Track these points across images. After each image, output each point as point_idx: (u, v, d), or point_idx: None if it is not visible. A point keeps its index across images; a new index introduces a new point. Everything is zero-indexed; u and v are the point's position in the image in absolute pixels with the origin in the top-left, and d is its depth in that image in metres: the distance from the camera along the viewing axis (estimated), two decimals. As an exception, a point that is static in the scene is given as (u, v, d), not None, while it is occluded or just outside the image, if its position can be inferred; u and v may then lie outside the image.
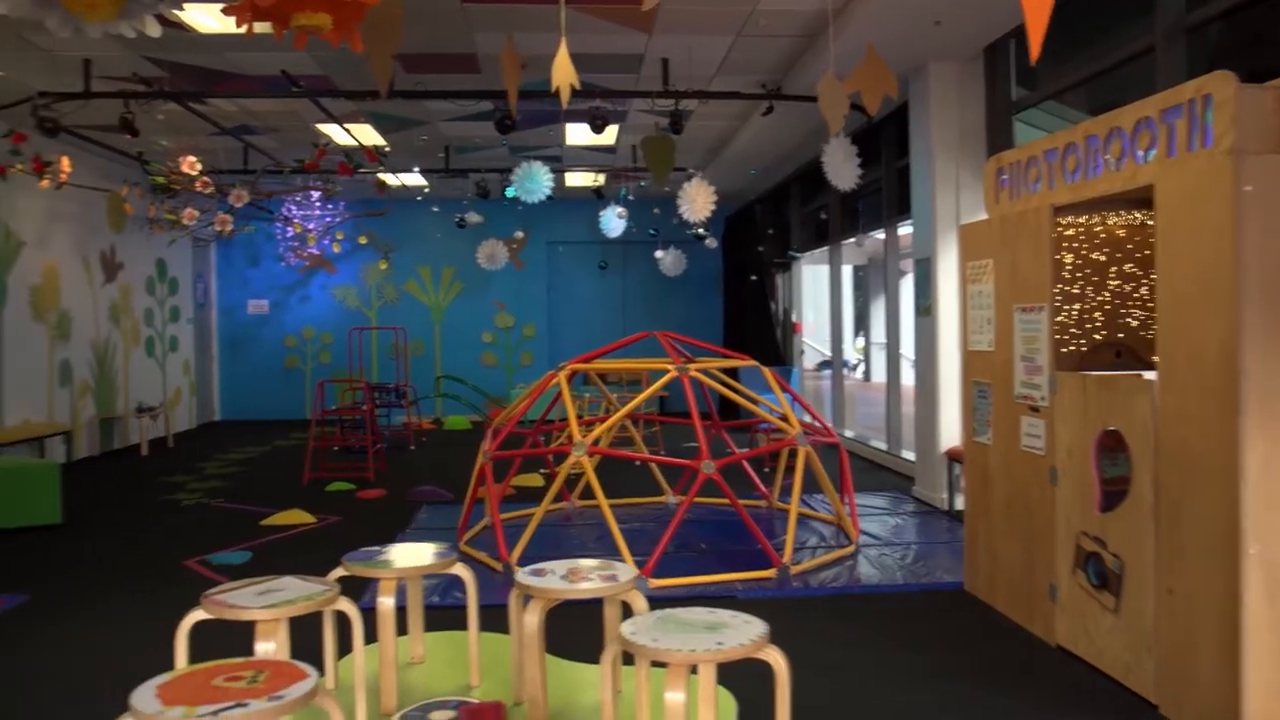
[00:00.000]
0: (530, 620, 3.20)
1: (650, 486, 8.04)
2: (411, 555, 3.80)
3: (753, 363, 6.70)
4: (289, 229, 14.15)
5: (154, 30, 3.65)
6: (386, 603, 3.46)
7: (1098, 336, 4.60)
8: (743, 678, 3.44)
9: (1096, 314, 4.61)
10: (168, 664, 4.17)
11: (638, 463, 8.91)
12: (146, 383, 12.92)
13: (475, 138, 10.91)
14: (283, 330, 15.53)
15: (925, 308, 7.70)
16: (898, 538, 6.46)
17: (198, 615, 3.09)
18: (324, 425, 10.15)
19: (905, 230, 9.46)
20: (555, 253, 15.95)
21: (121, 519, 7.62)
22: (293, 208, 13.72)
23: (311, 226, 13.99)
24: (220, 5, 6.27)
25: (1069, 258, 4.58)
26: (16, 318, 9.91)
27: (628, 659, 2.95)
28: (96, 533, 7.11)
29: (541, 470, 9.20)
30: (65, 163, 9.45)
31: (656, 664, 2.72)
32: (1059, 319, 4.47)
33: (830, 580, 5.45)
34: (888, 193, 9.53)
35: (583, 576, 3.35)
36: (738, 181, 13.07)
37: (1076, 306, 4.60)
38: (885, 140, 9.45)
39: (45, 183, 9.50)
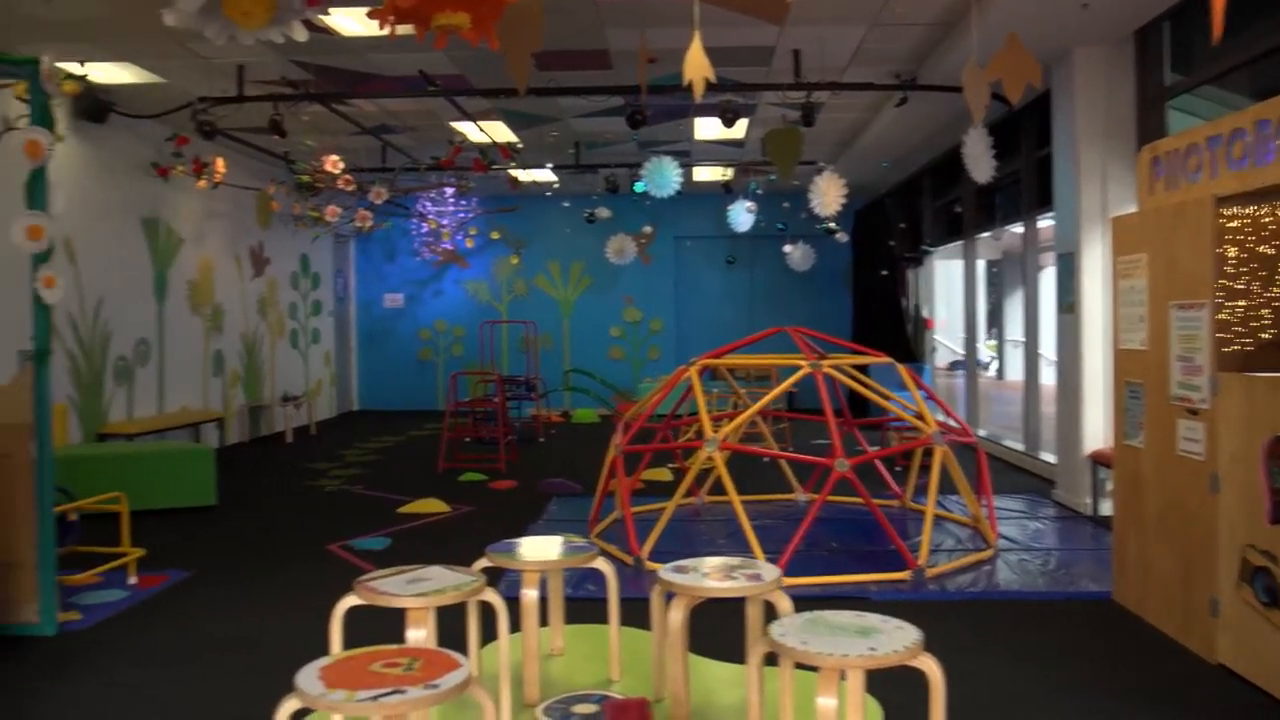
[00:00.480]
0: (675, 617, 3.20)
1: (778, 483, 7.97)
2: (552, 548, 3.85)
3: (887, 359, 6.57)
4: (424, 225, 14.57)
5: (300, 35, 3.80)
6: (531, 595, 3.51)
7: (1265, 335, 4.33)
8: (881, 684, 3.38)
9: (1264, 311, 4.33)
10: (317, 639, 4.36)
11: (766, 459, 8.85)
12: (291, 373, 13.50)
13: (605, 133, 11.00)
14: (417, 323, 15.99)
15: (1068, 304, 7.40)
16: (1038, 543, 6.24)
17: (351, 601, 3.19)
18: (457, 417, 10.40)
19: (1045, 223, 9.11)
20: (683, 247, 15.97)
21: (270, 502, 7.98)
22: (428, 204, 14.13)
23: (445, 222, 14.37)
24: (364, 9, 6.49)
25: (1232, 251, 4.33)
26: (176, 310, 10.48)
27: (768, 659, 2.91)
28: (248, 515, 7.47)
29: (670, 465, 9.22)
30: (220, 164, 9.95)
31: (801, 666, 2.69)
32: (1220, 316, 4.22)
33: (968, 585, 5.30)
34: (1026, 185, 9.20)
35: (726, 575, 3.33)
36: (868, 174, 12.83)
37: (1241, 303, 4.34)
38: (1024, 130, 9.12)
39: (202, 183, 10.03)
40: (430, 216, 14.29)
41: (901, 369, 6.47)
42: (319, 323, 14.61)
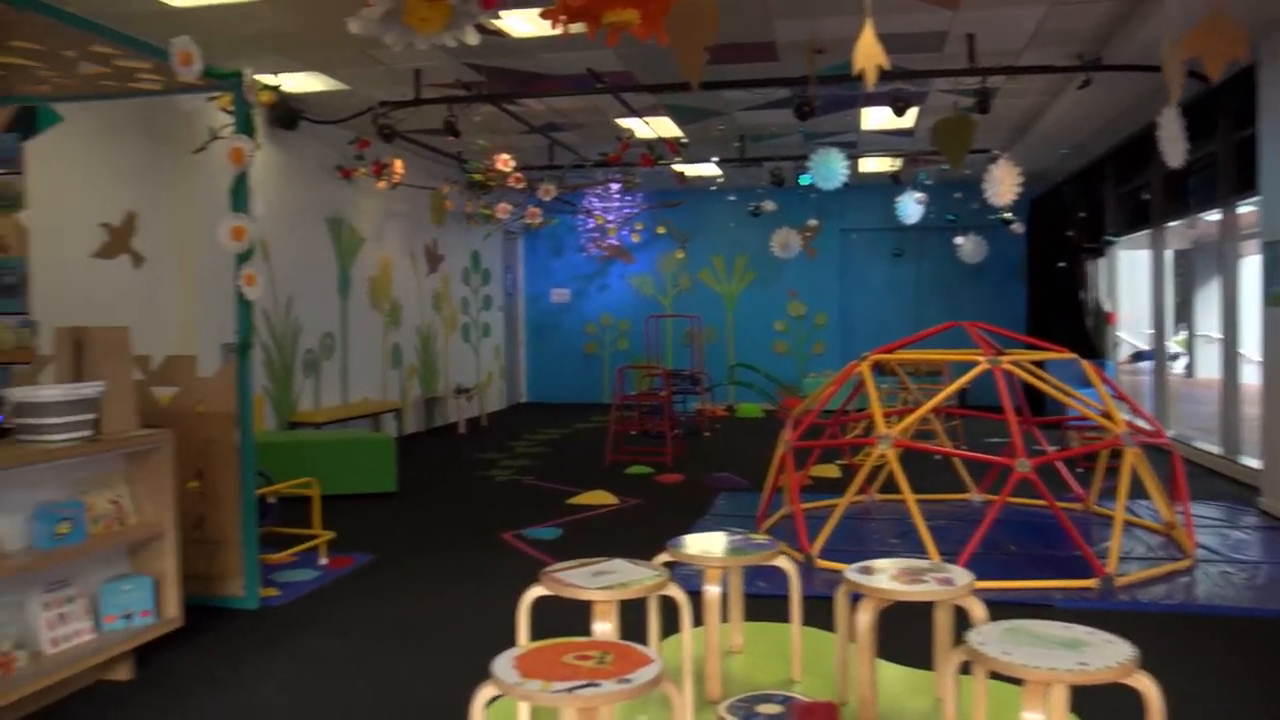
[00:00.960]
0: (863, 620, 3.13)
1: (950, 482, 7.73)
2: (733, 545, 3.84)
3: (1070, 355, 6.25)
4: (590, 221, 14.82)
5: (473, 39, 3.92)
6: (713, 591, 3.50)
7: None
8: (1079, 701, 3.21)
9: None
10: (496, 624, 4.50)
11: (938, 456, 8.59)
12: (463, 366, 13.98)
13: (770, 126, 10.90)
14: (583, 318, 16.29)
15: (1276, 296, 6.87)
16: (1242, 554, 5.81)
17: (538, 591, 3.26)
18: (623, 410, 10.54)
19: (1245, 210, 8.49)
20: (848, 240, 15.68)
21: (446, 491, 8.28)
22: (594, 200, 14.35)
23: (611, 218, 14.58)
24: (535, 10, 6.64)
25: None
26: (358, 306, 11.01)
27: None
28: (426, 502, 7.77)
29: (838, 461, 9.07)
30: (398, 165, 10.39)
31: (996, 677, 2.58)
32: None
33: (1162, 596, 4.98)
34: (1224, 168, 8.58)
35: (916, 577, 3.24)
36: (1044, 161, 12.27)
37: None
38: (1221, 109, 8.51)
39: (382, 184, 10.49)
40: (596, 212, 14.53)
41: (1087, 365, 6.15)
42: (489, 317, 15.07)
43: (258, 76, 7.14)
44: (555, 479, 8.79)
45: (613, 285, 16.18)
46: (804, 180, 11.42)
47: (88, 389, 3.83)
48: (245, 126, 4.95)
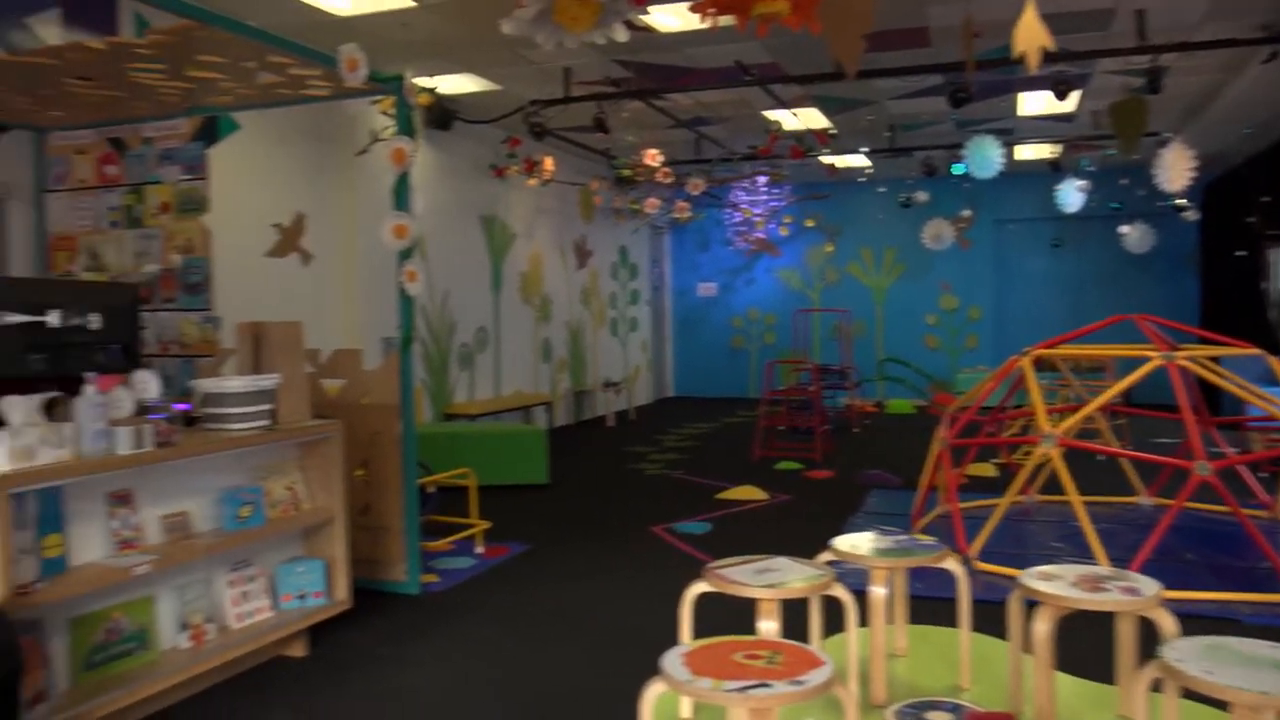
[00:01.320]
0: (1041, 629, 3.00)
1: (1116, 484, 7.37)
2: (899, 545, 3.74)
3: (1256, 350, 5.86)
4: (736, 214, 14.76)
5: (622, 36, 3.95)
6: (879, 592, 3.41)
7: None
8: None
9: None
10: (649, 617, 4.54)
11: (1101, 457, 8.21)
12: (611, 360, 14.15)
13: (922, 114, 10.61)
14: (729, 311, 16.24)
15: None
16: None
17: (700, 587, 3.25)
18: (772, 405, 10.46)
19: None
20: (1004, 231, 15.12)
21: (595, 483, 8.40)
22: (741, 194, 14.29)
23: (758, 211, 14.48)
24: (684, 4, 6.64)
25: None
26: (510, 301, 11.29)
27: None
28: (577, 494, 7.90)
29: (995, 460, 8.78)
30: (549, 162, 10.58)
31: (1189, 696, 2.42)
32: None
33: (1362, 609, 4.62)
34: None
35: (1097, 585, 3.08)
36: (1221, 143, 11.52)
37: None
38: None
39: (533, 181, 10.71)
40: (743, 206, 14.46)
41: (1275, 361, 5.75)
42: (636, 311, 15.21)
43: (416, 80, 7.40)
44: (703, 473, 8.80)
45: (759, 279, 16.08)
46: (957, 169, 11.09)
47: (267, 381, 4.05)
48: (406, 128, 5.13)
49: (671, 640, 4.24)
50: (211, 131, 5.66)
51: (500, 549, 6.00)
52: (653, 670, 2.36)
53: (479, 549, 5.94)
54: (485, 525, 6.07)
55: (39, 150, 5.97)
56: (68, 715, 3.16)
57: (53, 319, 3.28)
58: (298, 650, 4.19)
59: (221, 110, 5.62)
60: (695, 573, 3.40)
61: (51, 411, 3.25)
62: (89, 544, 3.41)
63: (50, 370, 3.38)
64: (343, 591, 4.36)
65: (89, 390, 3.34)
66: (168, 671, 3.54)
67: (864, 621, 3.74)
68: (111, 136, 5.79)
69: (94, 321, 3.44)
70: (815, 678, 2.20)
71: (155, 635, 3.66)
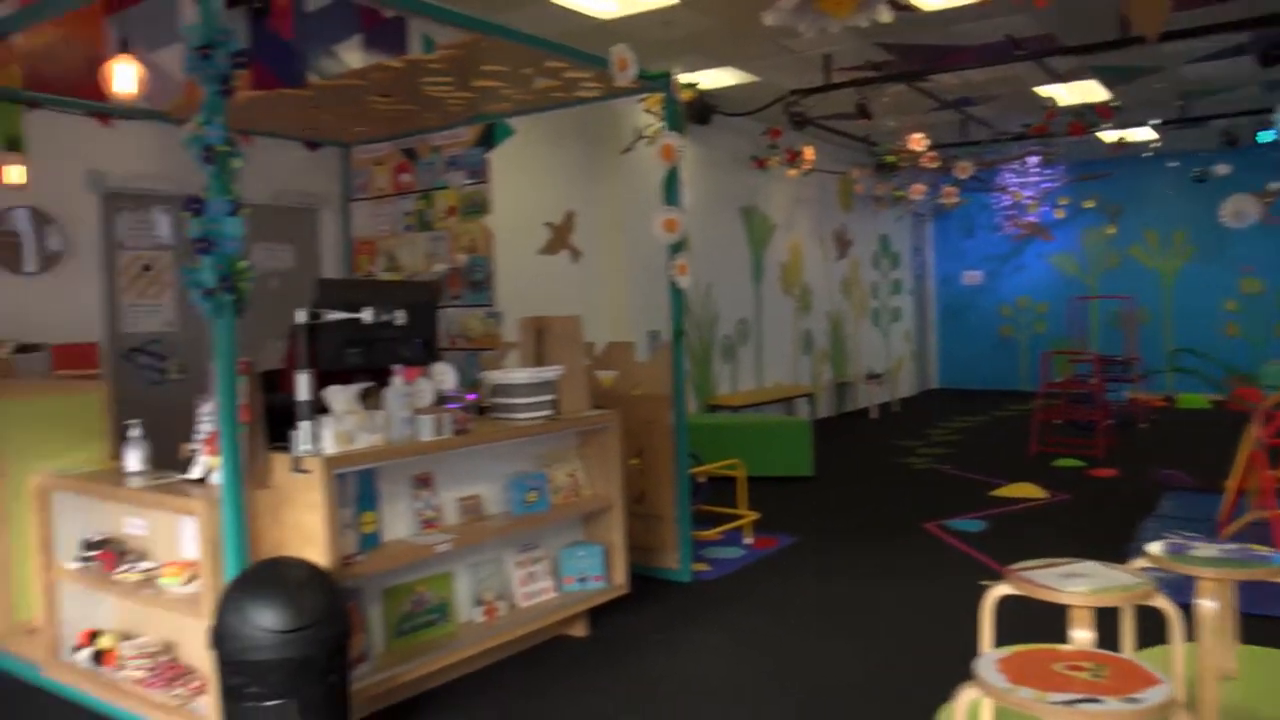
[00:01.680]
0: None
1: None
2: (1223, 553, 3.37)
3: None
4: (1005, 197, 14.02)
5: (886, 17, 3.82)
6: (1209, 606, 3.06)
7: None
8: None
9: None
10: (926, 613, 4.40)
11: None
12: (873, 351, 13.84)
13: (1220, 78, 9.64)
14: (997, 300, 15.46)
15: None
16: None
17: (1003, 589, 3.06)
18: (1049, 398, 9.88)
19: None
20: (1319, 204, 13.50)
21: (861, 476, 8.24)
22: (1010, 176, 13.57)
23: (1029, 194, 13.70)
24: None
25: None
26: (770, 292, 11.27)
27: None
28: (842, 487, 7.78)
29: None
30: (809, 152, 10.49)
31: None
32: None
33: None
34: None
35: None
36: None
37: None
38: None
39: (793, 171, 10.64)
40: (1013, 188, 13.71)
41: None
42: (899, 301, 14.78)
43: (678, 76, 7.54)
44: (975, 468, 8.43)
45: (1030, 265, 15.18)
46: (1264, 137, 10.01)
47: (549, 373, 4.25)
48: (675, 124, 5.22)
49: (950, 642, 4.09)
50: (490, 137, 6.01)
51: (769, 540, 6.01)
52: (932, 672, 2.27)
53: (748, 540, 5.97)
54: (754, 516, 6.10)
55: (345, 163, 6.56)
56: (384, 675, 3.46)
57: (366, 316, 3.58)
58: (579, 631, 4.37)
59: (499, 116, 5.95)
60: (972, 572, 3.25)
61: (364, 401, 3.55)
62: (397, 522, 3.71)
63: (364, 363, 3.70)
64: (621, 576, 4.51)
65: (397, 381, 3.63)
66: (465, 643, 3.79)
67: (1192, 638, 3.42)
68: (405, 147, 6.28)
69: (399, 318, 3.72)
70: (1152, 697, 2.02)
71: (454, 609, 3.93)
